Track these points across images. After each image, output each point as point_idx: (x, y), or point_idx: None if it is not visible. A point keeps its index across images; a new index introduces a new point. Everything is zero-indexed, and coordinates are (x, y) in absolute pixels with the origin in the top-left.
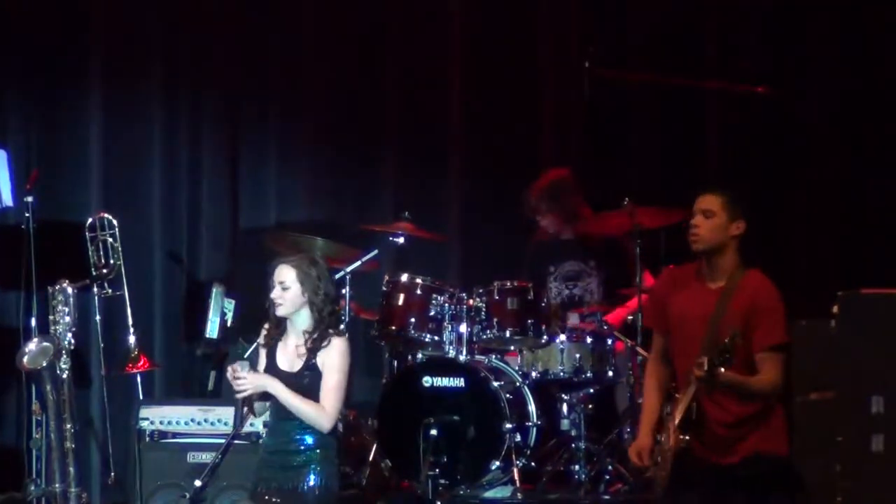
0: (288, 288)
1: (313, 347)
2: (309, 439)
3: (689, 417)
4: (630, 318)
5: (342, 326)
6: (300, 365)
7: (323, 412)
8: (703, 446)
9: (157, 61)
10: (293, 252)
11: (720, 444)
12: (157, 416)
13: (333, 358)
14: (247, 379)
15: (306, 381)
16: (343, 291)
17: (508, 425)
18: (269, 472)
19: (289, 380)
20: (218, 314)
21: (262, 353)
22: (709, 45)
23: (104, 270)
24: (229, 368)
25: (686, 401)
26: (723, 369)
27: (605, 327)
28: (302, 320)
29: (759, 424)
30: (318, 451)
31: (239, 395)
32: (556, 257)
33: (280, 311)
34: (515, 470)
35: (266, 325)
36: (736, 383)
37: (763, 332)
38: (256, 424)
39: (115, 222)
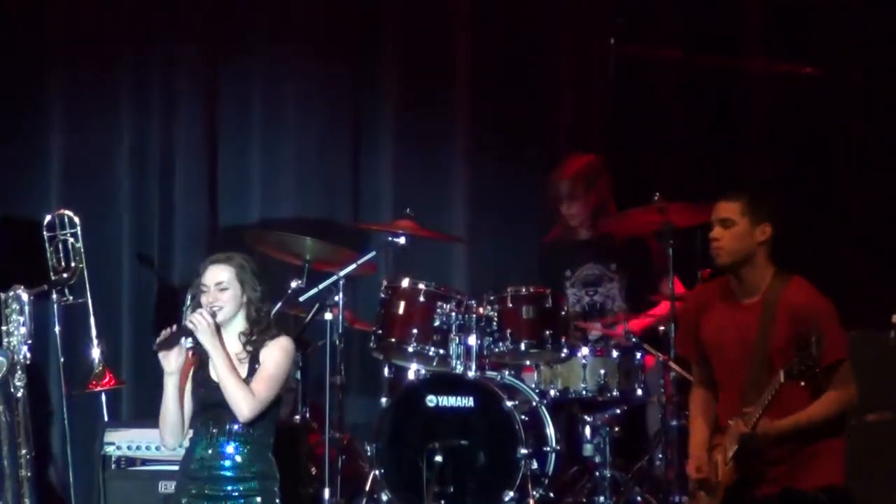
0: (226, 288)
1: (255, 349)
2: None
3: (744, 450)
4: (661, 328)
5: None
6: (244, 372)
7: (251, 397)
8: (757, 479)
9: (124, 38)
10: (280, 254)
11: (776, 475)
12: (124, 441)
13: (274, 352)
14: (208, 324)
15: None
16: (336, 298)
17: (524, 451)
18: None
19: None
20: None
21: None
22: (749, 19)
23: (64, 275)
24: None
25: (737, 434)
26: (802, 382)
27: (634, 339)
28: (237, 323)
29: (818, 452)
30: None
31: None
32: (573, 260)
33: (220, 317)
34: (532, 501)
35: (190, 342)
36: (796, 429)
37: (828, 343)
38: None
39: (76, 220)
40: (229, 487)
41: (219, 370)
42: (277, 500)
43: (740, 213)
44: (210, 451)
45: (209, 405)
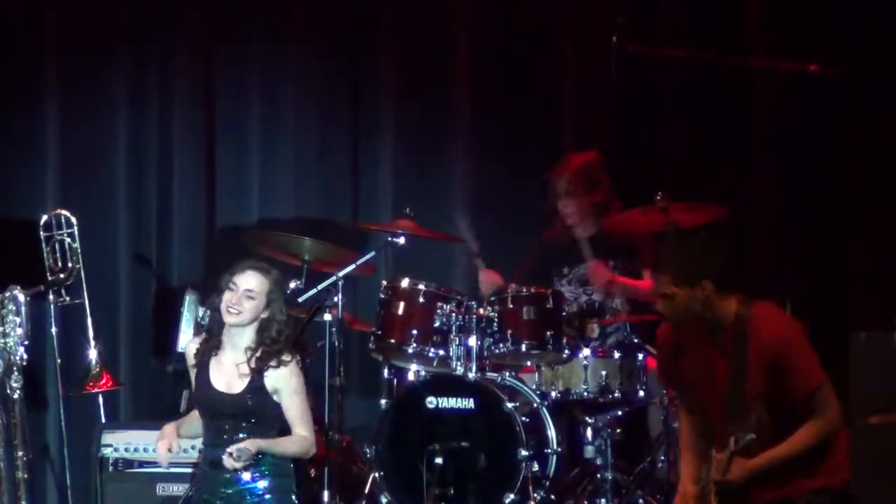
0: (253, 298)
1: (259, 368)
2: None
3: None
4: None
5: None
6: (242, 385)
7: (306, 440)
8: (750, 488)
9: (121, 37)
10: (279, 255)
11: (769, 483)
12: (121, 443)
13: (291, 382)
14: (242, 461)
15: (250, 403)
16: (335, 299)
17: (524, 452)
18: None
19: (229, 402)
20: (191, 325)
21: (192, 372)
22: (753, 17)
23: (61, 275)
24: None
25: (723, 466)
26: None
27: (636, 340)
28: (247, 336)
29: (812, 458)
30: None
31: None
32: (571, 257)
33: (233, 320)
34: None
35: (197, 342)
36: (771, 464)
37: (797, 379)
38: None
39: (73, 220)
40: (243, 489)
41: (275, 454)
42: (294, 497)
43: (673, 285)
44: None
45: (216, 413)
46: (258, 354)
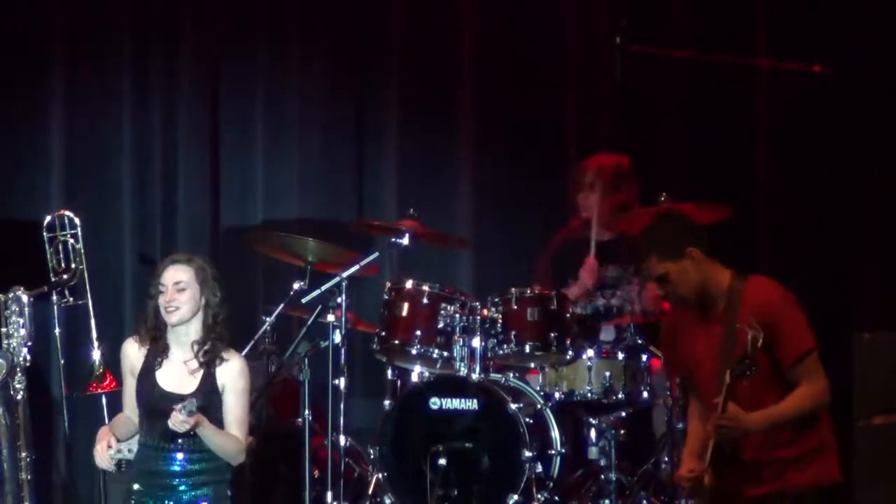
0: (185, 289)
1: (208, 361)
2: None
3: (721, 454)
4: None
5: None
6: (194, 385)
7: (240, 444)
8: (740, 480)
9: (125, 36)
10: (283, 255)
11: (758, 480)
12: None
13: (238, 382)
14: (188, 422)
15: (203, 403)
16: (339, 300)
17: (528, 454)
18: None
19: (178, 401)
20: None
21: (129, 378)
22: (758, 17)
23: (65, 276)
24: (177, 408)
25: (705, 435)
26: (745, 382)
27: (640, 341)
28: (192, 330)
29: (801, 456)
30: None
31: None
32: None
33: (175, 318)
34: None
35: (135, 343)
36: (768, 422)
37: (787, 343)
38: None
39: (77, 221)
40: (181, 488)
41: (210, 443)
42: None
43: (661, 262)
44: (159, 458)
45: (161, 413)
46: (206, 347)
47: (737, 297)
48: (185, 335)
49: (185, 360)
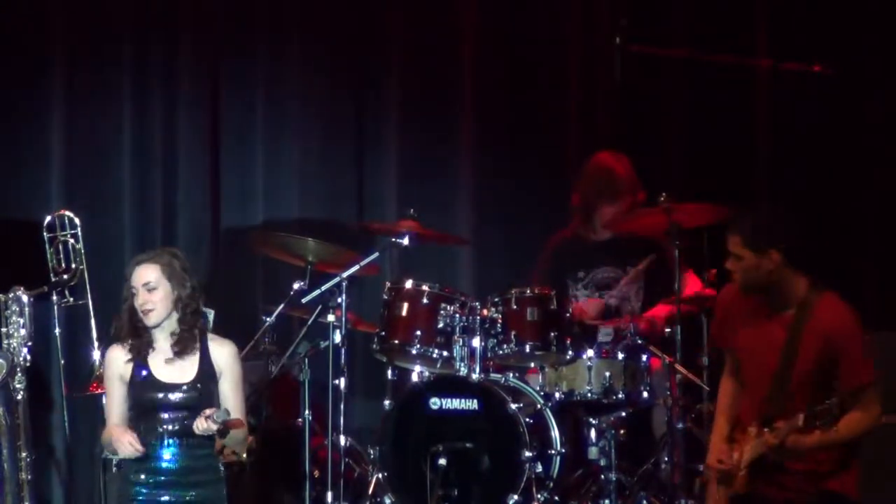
0: (154, 288)
1: (180, 350)
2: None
3: (762, 462)
4: (668, 330)
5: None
6: (192, 372)
7: (247, 429)
8: (771, 488)
9: (125, 36)
10: (283, 255)
11: (793, 481)
12: None
13: (235, 366)
14: (212, 429)
15: (202, 389)
16: (339, 300)
17: (528, 454)
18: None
19: (182, 392)
20: None
21: (116, 384)
22: (757, 17)
23: (65, 276)
24: (207, 413)
25: (759, 446)
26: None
27: (640, 341)
28: (174, 322)
29: (832, 467)
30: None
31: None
32: (588, 261)
33: (152, 319)
34: None
35: (120, 348)
36: (822, 445)
37: (850, 369)
38: None
39: (77, 221)
40: (178, 486)
41: (231, 438)
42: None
43: (742, 247)
44: (157, 456)
45: (157, 407)
46: (184, 336)
47: (808, 310)
48: (168, 327)
49: (175, 350)
